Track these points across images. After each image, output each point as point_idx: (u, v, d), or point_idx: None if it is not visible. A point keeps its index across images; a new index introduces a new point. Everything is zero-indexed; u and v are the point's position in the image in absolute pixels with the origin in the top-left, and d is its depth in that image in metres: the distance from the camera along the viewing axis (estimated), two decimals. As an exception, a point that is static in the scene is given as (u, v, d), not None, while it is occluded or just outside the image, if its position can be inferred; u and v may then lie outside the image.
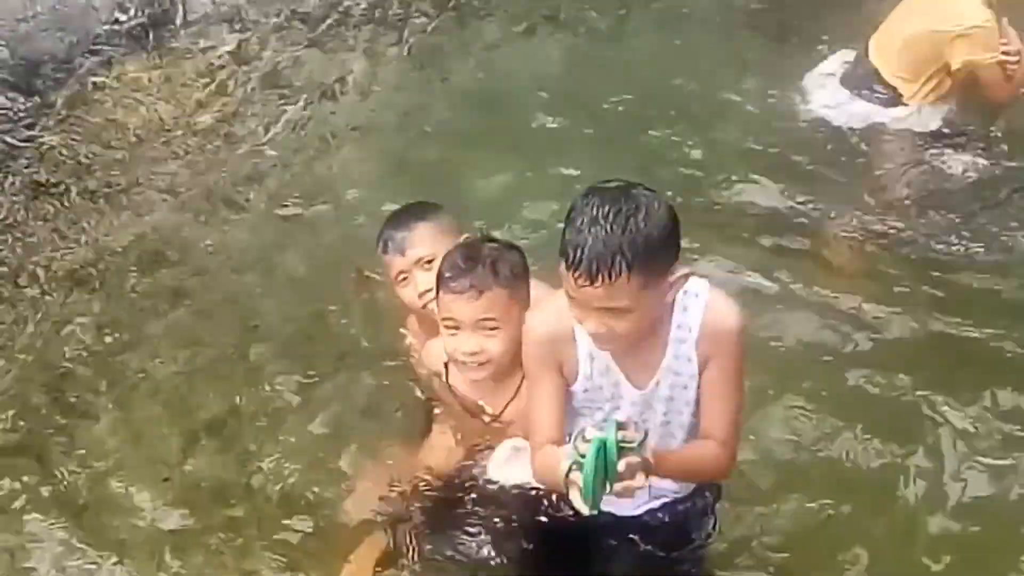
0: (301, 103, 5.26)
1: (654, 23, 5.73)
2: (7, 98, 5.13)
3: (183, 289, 4.38)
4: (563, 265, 2.62)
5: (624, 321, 2.66)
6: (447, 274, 3.15)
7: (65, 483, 3.63)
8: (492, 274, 3.13)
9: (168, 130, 5.11)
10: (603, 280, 2.58)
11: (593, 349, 2.83)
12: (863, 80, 4.78)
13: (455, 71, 5.49)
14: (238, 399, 3.89)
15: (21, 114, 5.11)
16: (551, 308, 2.84)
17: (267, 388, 3.91)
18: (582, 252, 2.57)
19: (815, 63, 5.05)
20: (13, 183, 4.81)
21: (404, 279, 3.45)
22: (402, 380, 3.67)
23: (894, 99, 4.71)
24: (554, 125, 5.13)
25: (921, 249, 4.39)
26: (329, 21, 5.71)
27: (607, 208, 2.60)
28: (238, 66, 5.44)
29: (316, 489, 3.54)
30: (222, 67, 5.43)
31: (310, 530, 3.45)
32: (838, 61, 4.97)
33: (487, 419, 3.32)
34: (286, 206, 4.76)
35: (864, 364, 3.88)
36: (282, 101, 5.27)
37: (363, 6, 5.80)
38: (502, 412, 3.29)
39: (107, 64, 5.41)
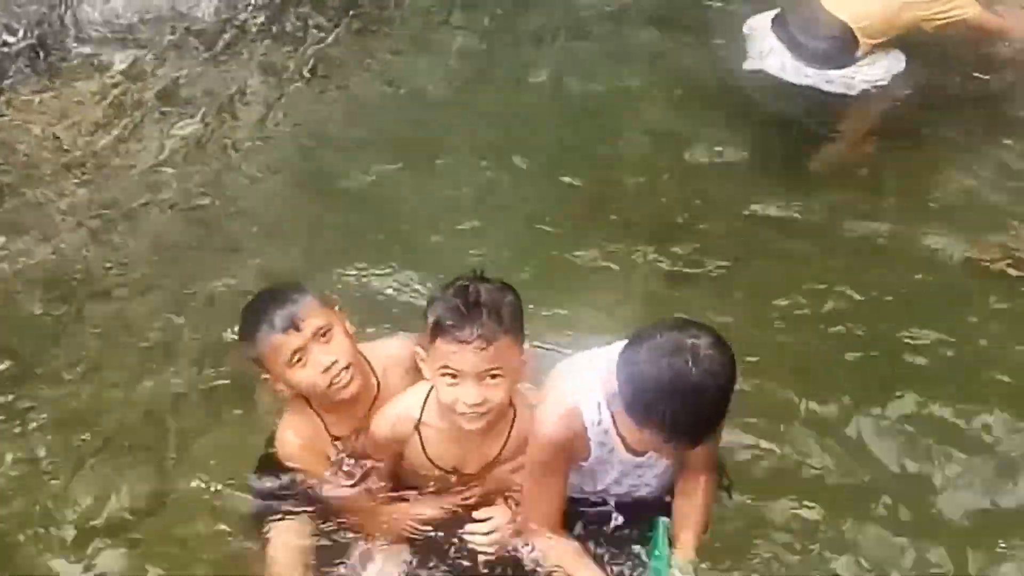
0: (200, 118, 5.17)
1: (553, 24, 5.75)
2: None
3: (84, 312, 4.27)
4: (657, 436, 2.77)
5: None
6: (449, 322, 2.97)
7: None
8: (497, 322, 2.97)
9: (65, 151, 4.99)
10: (698, 442, 2.83)
11: (603, 436, 3.00)
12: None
13: (355, 82, 5.44)
14: (139, 424, 3.83)
15: (-91, 144, 4.96)
16: (560, 410, 2.99)
17: (171, 413, 3.84)
18: (687, 427, 2.74)
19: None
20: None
21: (299, 360, 3.16)
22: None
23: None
24: (458, 132, 5.12)
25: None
26: (226, 37, 5.63)
27: (692, 372, 2.68)
28: (133, 84, 5.32)
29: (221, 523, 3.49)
30: (116, 85, 5.31)
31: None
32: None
33: (464, 477, 3.22)
34: (191, 222, 4.67)
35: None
36: (180, 118, 5.17)
37: (259, 20, 5.72)
38: (499, 456, 3.19)
39: (-2, 88, 5.28)
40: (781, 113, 5.04)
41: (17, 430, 3.83)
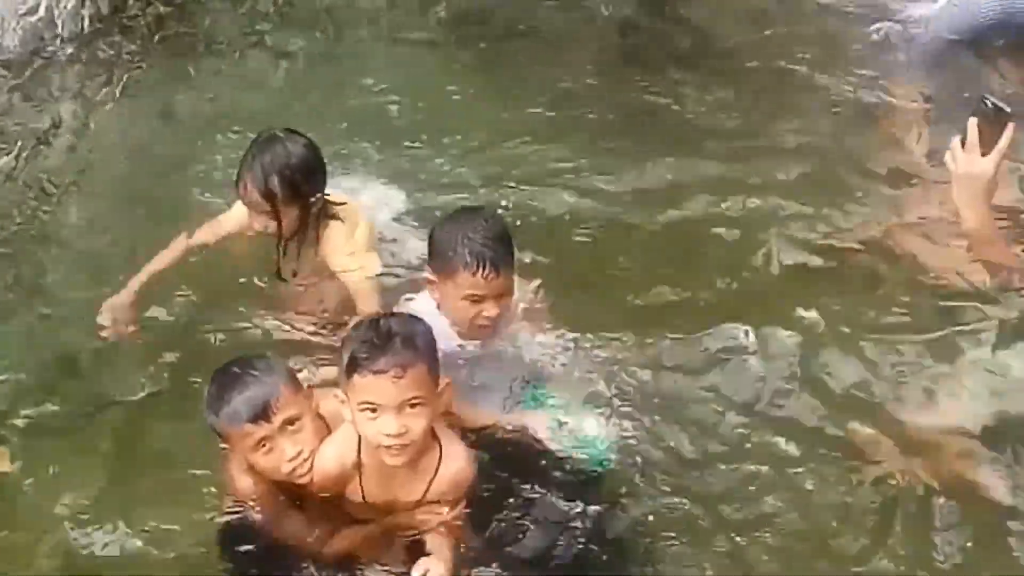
0: (14, 152, 5.01)
1: (367, 44, 5.84)
2: None
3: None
4: (464, 272, 3.36)
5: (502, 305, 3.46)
6: (362, 355, 2.97)
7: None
8: (412, 349, 2.99)
9: None
10: (499, 270, 3.38)
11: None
12: None
13: (174, 104, 5.37)
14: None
15: None
16: None
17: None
18: (484, 255, 3.35)
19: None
20: None
21: (267, 447, 3.11)
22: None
23: None
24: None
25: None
26: (34, 67, 5.49)
27: (475, 222, 3.45)
28: (-64, 120, 5.16)
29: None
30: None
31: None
32: None
33: (404, 510, 3.20)
34: (12, 261, 4.51)
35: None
36: (-7, 150, 5.02)
37: (68, 50, 5.60)
38: (424, 495, 3.18)
39: None
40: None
41: None
